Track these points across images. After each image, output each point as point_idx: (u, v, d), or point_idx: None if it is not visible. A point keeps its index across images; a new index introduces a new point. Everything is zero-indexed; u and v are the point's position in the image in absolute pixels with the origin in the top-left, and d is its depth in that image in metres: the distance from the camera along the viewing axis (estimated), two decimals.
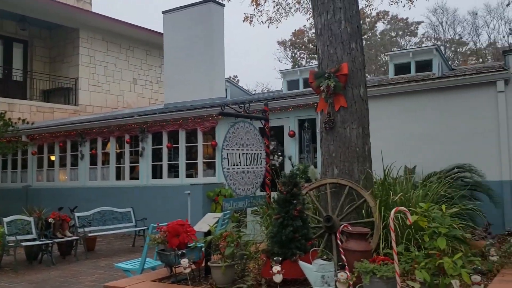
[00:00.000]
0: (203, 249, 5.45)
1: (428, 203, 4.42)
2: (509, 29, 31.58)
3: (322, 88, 6.02)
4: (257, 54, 59.69)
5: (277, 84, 45.08)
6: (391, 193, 5.56)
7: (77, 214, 10.92)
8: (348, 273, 4.09)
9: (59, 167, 16.71)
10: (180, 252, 5.01)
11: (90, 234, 11.07)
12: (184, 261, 4.87)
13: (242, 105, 7.29)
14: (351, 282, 4.10)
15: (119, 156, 15.37)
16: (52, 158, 16.97)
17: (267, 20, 14.36)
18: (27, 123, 16.29)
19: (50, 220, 10.21)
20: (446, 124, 9.65)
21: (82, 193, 15.41)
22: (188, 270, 4.90)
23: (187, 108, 13.71)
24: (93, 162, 15.71)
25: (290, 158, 11.47)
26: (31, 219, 10.01)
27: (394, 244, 3.88)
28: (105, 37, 21.56)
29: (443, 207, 4.37)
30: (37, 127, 16.94)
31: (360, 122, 6.02)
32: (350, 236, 4.76)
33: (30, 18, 19.89)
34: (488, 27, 36.54)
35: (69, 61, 21.05)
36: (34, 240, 9.86)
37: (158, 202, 13.49)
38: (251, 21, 14.27)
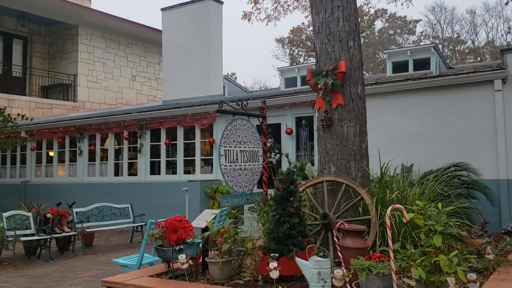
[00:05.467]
0: (200, 245, 5.48)
1: (424, 201, 4.45)
2: (508, 27, 31.59)
3: (319, 86, 6.05)
4: (255, 51, 59.73)
5: (275, 82, 45.14)
6: (388, 191, 5.59)
7: (75, 210, 10.93)
8: (344, 270, 4.12)
9: (58, 163, 16.73)
10: (177, 248, 5.04)
11: (88, 230, 11.09)
12: (182, 257, 4.91)
13: (240, 103, 7.32)
14: (347, 279, 4.13)
15: (118, 152, 15.39)
16: (51, 154, 16.98)
17: (266, 18, 14.40)
18: (26, 119, 16.33)
19: (48, 215, 10.22)
20: (443, 123, 9.69)
21: (80, 189, 15.44)
22: (185, 266, 4.93)
23: (185, 105, 13.73)
24: (92, 158, 15.73)
25: (287, 156, 11.50)
26: (30, 214, 10.03)
27: (390, 242, 3.91)
28: (104, 33, 21.57)
29: (439, 205, 4.40)
30: (36, 123, 16.94)
31: (357, 120, 6.06)
32: (346, 234, 4.80)
33: (29, 15, 19.91)
34: (486, 26, 36.55)
35: (68, 57, 21.07)
36: (32, 235, 9.88)
37: (156, 198, 13.53)
38: (250, 18, 14.30)
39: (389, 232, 3.98)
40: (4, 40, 20.61)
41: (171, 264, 5.36)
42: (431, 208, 4.60)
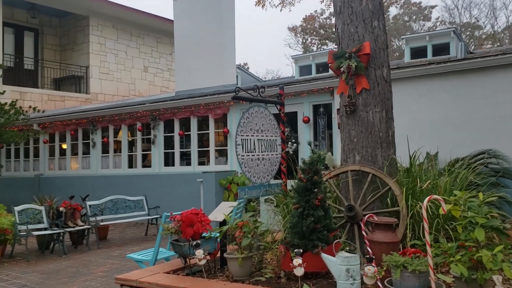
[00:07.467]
0: (218, 239, 5.18)
1: (463, 191, 4.09)
2: None
3: (342, 69, 5.68)
4: (266, 41, 59.18)
5: (288, 71, 44.67)
6: (418, 180, 5.22)
7: (88, 203, 10.71)
8: (375, 267, 3.79)
9: (71, 156, 16.56)
10: (194, 243, 4.73)
11: (102, 223, 10.87)
12: (199, 252, 4.61)
13: (257, 89, 6.97)
14: (379, 277, 3.80)
15: (131, 144, 15.17)
16: (64, 146, 16.82)
17: (280, 3, 14.02)
18: (38, 111, 16.17)
19: (61, 209, 10.02)
20: (468, 108, 9.26)
21: (94, 181, 15.25)
22: (203, 262, 4.63)
23: (199, 95, 13.43)
24: (105, 150, 15.52)
25: (310, 144, 11.10)
26: (42, 208, 9.83)
27: (427, 235, 3.57)
28: (115, 24, 21.29)
29: (480, 195, 4.01)
30: (49, 115, 16.77)
31: (383, 105, 5.67)
32: (376, 227, 4.46)
33: (40, 6, 19.71)
34: (506, 9, 35.61)
35: (80, 49, 20.85)
36: (45, 229, 9.68)
37: (171, 190, 13.28)
38: (264, 4, 13.95)
39: (426, 225, 3.64)
40: (15, 32, 20.44)
41: (187, 259, 5.08)
42: (468, 198, 4.23)
